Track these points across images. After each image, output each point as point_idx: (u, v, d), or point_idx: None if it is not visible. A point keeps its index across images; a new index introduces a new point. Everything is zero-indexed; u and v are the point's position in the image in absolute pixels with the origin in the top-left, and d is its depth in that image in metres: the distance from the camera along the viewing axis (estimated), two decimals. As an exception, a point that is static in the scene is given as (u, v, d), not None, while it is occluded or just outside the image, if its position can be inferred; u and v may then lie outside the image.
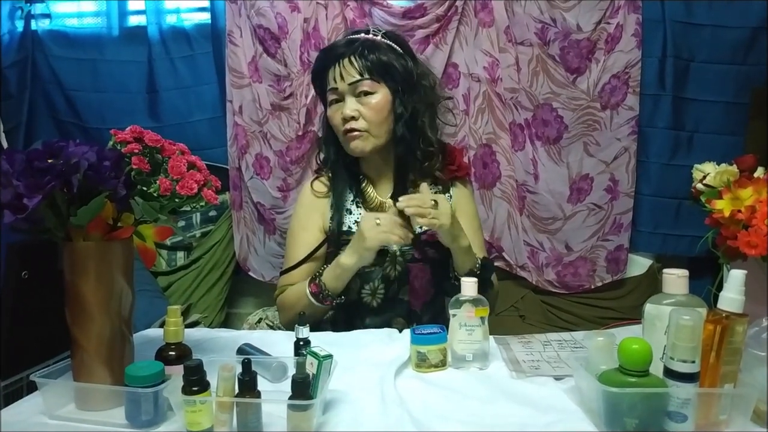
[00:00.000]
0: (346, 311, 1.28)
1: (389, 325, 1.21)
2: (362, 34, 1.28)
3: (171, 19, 2.02)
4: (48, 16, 2.05)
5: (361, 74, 1.23)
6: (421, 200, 1.14)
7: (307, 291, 1.21)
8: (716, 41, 1.78)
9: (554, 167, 1.82)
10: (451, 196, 1.36)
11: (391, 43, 1.28)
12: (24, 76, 2.01)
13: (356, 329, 1.21)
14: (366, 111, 1.24)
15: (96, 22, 2.05)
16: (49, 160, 0.74)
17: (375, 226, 1.15)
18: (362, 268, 1.22)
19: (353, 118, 1.24)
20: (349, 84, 1.23)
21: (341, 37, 1.33)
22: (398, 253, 1.26)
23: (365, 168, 1.35)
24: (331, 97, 1.27)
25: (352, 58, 1.23)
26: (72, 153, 0.75)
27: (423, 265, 1.28)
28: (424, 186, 1.22)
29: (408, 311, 1.28)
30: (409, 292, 1.28)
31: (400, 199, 1.14)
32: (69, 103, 2.03)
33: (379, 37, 1.27)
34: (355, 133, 1.24)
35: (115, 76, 2.01)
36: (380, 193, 1.34)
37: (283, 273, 1.34)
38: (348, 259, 1.19)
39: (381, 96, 1.25)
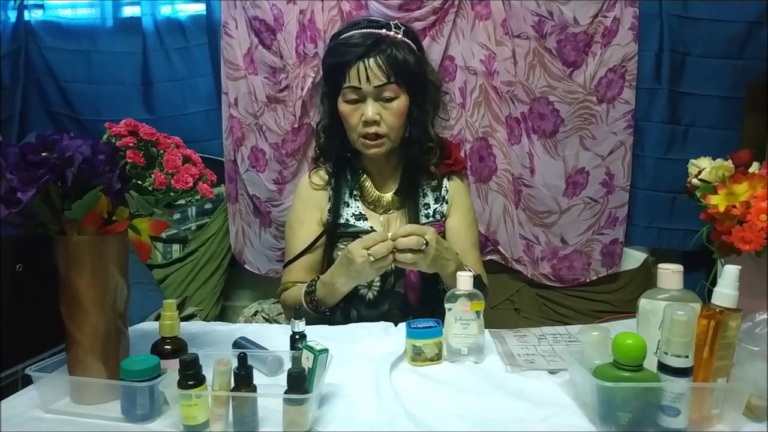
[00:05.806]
0: (342, 303, 1.28)
1: (385, 318, 1.21)
2: (384, 30, 1.23)
3: (166, 10, 2.00)
4: (41, 6, 2.03)
5: (388, 78, 1.20)
6: (418, 242, 1.09)
7: (305, 305, 1.21)
8: (713, 35, 1.78)
9: (550, 161, 1.82)
10: (447, 190, 1.36)
11: (410, 43, 1.26)
12: (17, 67, 1.99)
13: (352, 321, 1.21)
14: (387, 116, 1.23)
15: (90, 12, 2.04)
16: (43, 154, 0.73)
17: (368, 263, 1.08)
18: None
19: (375, 122, 1.23)
20: (375, 87, 1.21)
21: (359, 30, 1.25)
22: None
23: (366, 163, 1.34)
24: (350, 95, 1.23)
25: (379, 60, 1.20)
26: (66, 146, 0.74)
27: None
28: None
29: (404, 304, 1.28)
30: (404, 284, 1.28)
31: (399, 231, 1.11)
32: (63, 94, 2.02)
33: (400, 36, 1.25)
34: (378, 140, 1.24)
35: (109, 68, 2.00)
36: (378, 188, 1.34)
37: (285, 267, 1.36)
38: (344, 287, 1.17)
39: (402, 101, 1.24)
